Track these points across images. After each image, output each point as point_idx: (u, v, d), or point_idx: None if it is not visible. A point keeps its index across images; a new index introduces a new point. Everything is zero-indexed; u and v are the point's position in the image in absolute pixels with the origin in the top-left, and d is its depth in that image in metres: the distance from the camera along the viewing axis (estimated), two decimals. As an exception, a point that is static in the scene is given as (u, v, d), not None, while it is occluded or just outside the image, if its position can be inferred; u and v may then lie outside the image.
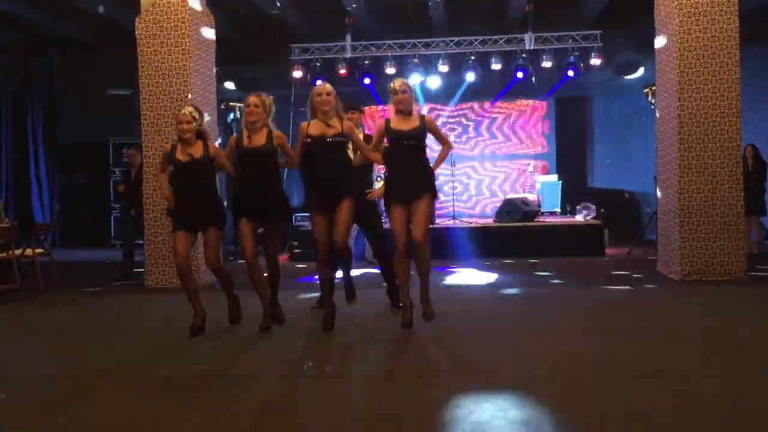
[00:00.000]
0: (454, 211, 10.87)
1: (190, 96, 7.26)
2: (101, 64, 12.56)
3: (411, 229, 4.74)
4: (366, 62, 11.56)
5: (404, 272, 4.84)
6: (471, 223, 10.50)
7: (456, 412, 3.17)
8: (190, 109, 4.86)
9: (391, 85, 4.82)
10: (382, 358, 4.29)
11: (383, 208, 4.99)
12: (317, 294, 5.64)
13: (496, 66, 11.37)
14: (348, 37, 11.33)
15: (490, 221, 10.94)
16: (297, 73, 11.45)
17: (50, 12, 10.90)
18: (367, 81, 11.55)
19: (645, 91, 9.68)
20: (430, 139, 4.87)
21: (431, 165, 4.86)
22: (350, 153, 4.96)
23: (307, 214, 5.71)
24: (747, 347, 4.27)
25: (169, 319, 5.58)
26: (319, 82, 10.81)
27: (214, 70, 7.97)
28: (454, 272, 8.18)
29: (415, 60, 11.45)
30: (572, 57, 11.20)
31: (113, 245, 12.00)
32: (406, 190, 4.75)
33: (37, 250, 7.48)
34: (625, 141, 12.75)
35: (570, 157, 13.23)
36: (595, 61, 11.12)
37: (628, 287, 6.83)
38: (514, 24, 11.57)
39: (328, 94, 4.81)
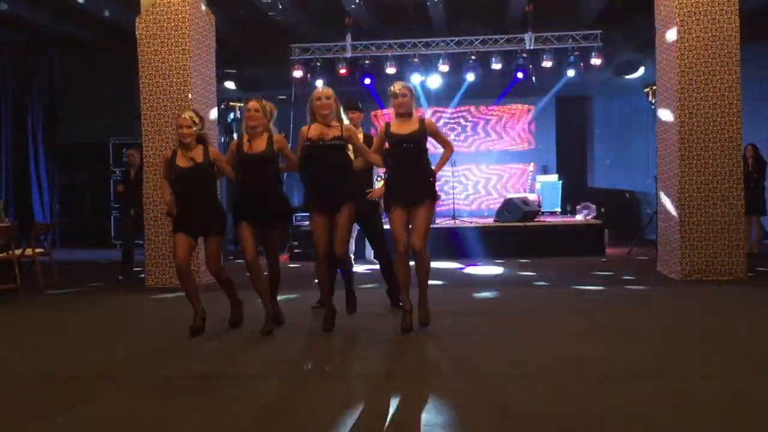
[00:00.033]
0: (454, 209, 10.87)
1: (190, 96, 7.26)
2: (101, 64, 12.58)
3: (410, 235, 4.74)
4: (366, 62, 11.56)
5: (404, 274, 4.83)
6: (471, 223, 10.50)
7: (456, 412, 3.18)
8: (190, 113, 4.85)
9: (391, 88, 4.82)
10: (382, 358, 4.29)
11: (383, 208, 5.00)
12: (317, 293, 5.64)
13: (496, 66, 11.37)
14: (348, 37, 11.32)
15: (489, 220, 10.94)
16: (297, 73, 11.45)
17: (50, 12, 10.90)
18: (367, 81, 11.55)
19: (645, 90, 9.68)
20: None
21: (432, 168, 4.83)
22: (350, 155, 4.95)
23: (307, 214, 5.70)
24: (747, 347, 4.27)
25: (169, 319, 5.58)
26: (319, 83, 10.85)
27: (215, 70, 7.97)
28: (456, 271, 8.18)
29: (416, 60, 11.45)
30: (572, 57, 11.20)
31: (113, 245, 11.99)
32: (406, 193, 4.75)
33: (37, 250, 7.49)
34: (625, 141, 12.76)
35: (570, 157, 13.25)
36: (596, 61, 11.11)
37: (628, 287, 6.83)
38: (514, 24, 11.57)
39: (328, 98, 4.79)
